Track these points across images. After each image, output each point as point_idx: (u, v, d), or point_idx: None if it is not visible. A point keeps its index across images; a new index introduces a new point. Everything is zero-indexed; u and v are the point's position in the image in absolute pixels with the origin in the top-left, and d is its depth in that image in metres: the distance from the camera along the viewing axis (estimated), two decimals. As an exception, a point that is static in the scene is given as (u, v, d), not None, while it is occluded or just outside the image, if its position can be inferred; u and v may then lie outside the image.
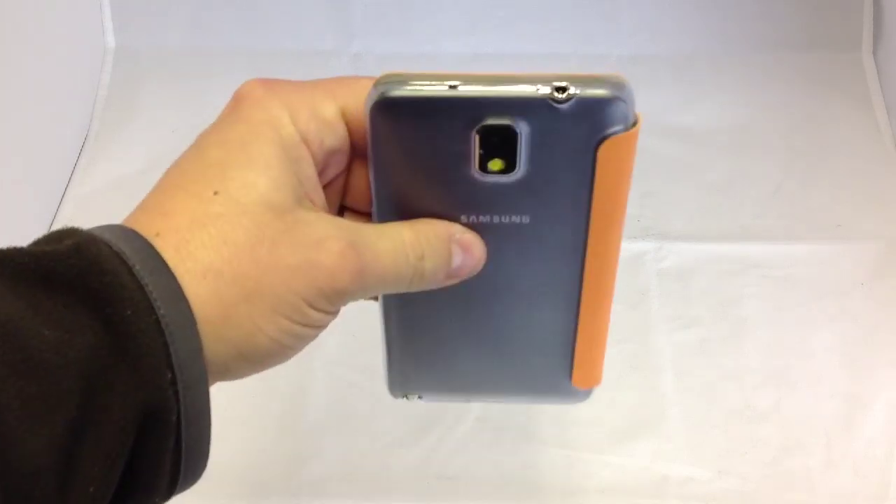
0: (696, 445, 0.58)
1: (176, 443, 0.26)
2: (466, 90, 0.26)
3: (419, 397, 0.35)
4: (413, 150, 0.28)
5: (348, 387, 0.61)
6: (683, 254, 0.68)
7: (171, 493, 0.27)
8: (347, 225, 0.29)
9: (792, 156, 0.75)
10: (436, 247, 0.30)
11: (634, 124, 0.27)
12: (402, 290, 0.30)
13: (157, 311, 0.25)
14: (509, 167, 0.28)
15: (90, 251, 0.25)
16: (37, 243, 0.26)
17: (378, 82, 0.27)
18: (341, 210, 0.33)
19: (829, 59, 0.81)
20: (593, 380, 0.35)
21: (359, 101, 0.29)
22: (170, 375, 0.25)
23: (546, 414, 0.60)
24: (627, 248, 0.69)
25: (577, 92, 0.26)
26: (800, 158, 0.75)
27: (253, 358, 0.28)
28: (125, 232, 0.26)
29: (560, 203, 0.29)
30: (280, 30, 0.83)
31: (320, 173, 0.30)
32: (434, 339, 0.34)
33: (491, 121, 0.27)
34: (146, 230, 0.26)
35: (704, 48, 0.82)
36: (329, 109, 0.29)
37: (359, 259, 0.28)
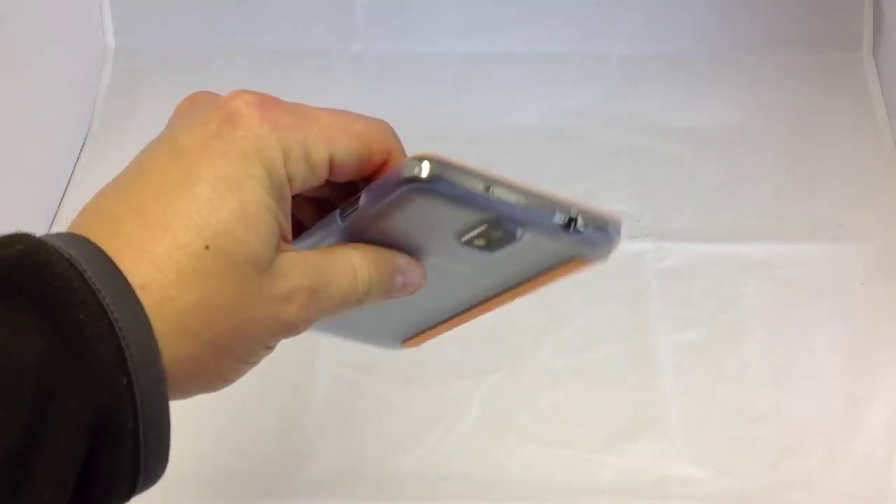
0: (696, 445, 0.58)
1: (134, 447, 0.25)
2: (497, 195, 0.29)
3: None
4: (417, 219, 0.30)
5: (348, 387, 0.61)
6: (683, 254, 0.68)
7: (130, 495, 0.27)
8: (309, 264, 0.29)
9: (792, 156, 0.75)
10: (383, 277, 0.31)
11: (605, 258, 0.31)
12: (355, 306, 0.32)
13: (111, 315, 0.25)
14: (489, 250, 0.30)
15: (39, 255, 0.25)
16: None
17: (422, 160, 0.28)
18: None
19: (829, 59, 0.81)
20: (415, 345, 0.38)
21: (349, 150, 0.30)
22: (125, 381, 0.25)
23: (546, 414, 0.60)
24: (627, 248, 0.69)
25: (583, 229, 0.30)
26: (800, 158, 0.75)
27: (201, 392, 0.29)
28: (75, 238, 0.26)
29: (503, 273, 0.33)
30: (280, 30, 0.82)
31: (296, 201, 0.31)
32: None
33: (504, 226, 0.29)
34: (131, 273, 0.26)
35: (704, 48, 0.82)
36: (320, 155, 0.29)
37: (317, 307, 0.29)
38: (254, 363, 0.30)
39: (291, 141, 0.28)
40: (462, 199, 0.28)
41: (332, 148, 0.29)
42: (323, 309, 0.30)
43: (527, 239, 0.30)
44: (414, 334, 0.38)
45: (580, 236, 0.30)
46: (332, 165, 0.30)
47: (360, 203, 0.30)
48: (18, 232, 0.26)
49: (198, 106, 0.30)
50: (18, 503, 0.23)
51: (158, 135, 0.30)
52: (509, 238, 0.30)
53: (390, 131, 0.31)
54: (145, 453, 0.26)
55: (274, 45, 0.82)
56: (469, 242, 0.30)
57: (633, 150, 0.76)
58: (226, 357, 0.28)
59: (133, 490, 0.26)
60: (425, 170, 0.28)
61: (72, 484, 0.24)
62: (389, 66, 0.81)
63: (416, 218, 0.29)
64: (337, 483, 0.57)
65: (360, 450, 0.58)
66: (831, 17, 0.81)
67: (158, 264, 0.26)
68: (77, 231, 0.27)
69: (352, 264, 0.30)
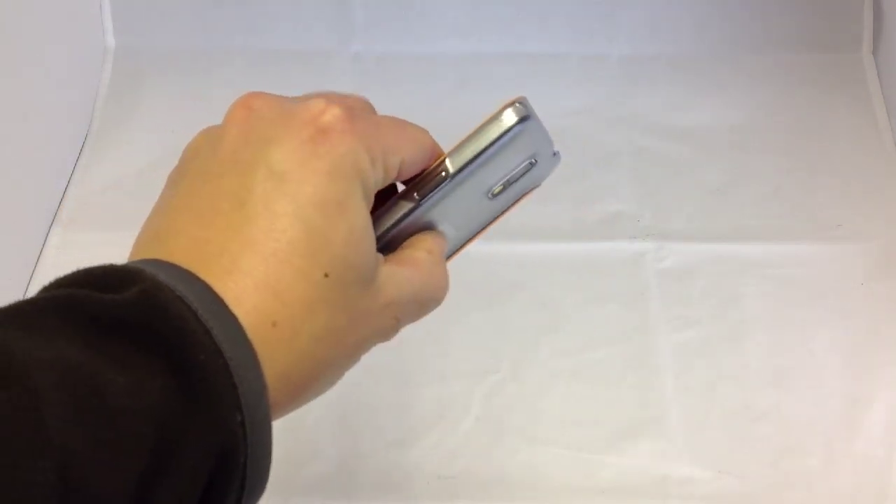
0: (696, 445, 0.58)
1: (241, 481, 0.26)
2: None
3: None
4: (502, 163, 0.34)
5: (348, 387, 0.61)
6: (683, 254, 0.68)
7: None
8: (405, 277, 0.32)
9: (792, 156, 0.75)
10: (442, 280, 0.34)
11: None
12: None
13: (224, 354, 0.25)
14: (511, 183, 0.36)
15: (157, 298, 0.25)
16: (98, 286, 0.25)
17: (519, 102, 0.33)
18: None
19: (829, 60, 0.81)
20: None
21: (415, 155, 0.32)
22: (240, 417, 0.25)
23: (546, 414, 0.60)
24: (627, 248, 0.69)
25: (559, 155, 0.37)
26: (800, 158, 0.75)
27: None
28: (184, 274, 0.26)
29: (496, 207, 0.36)
30: (280, 30, 0.82)
31: None
32: None
33: (545, 154, 0.36)
34: (260, 311, 0.27)
35: (704, 48, 0.82)
36: (395, 162, 0.31)
37: (410, 317, 0.32)
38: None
39: (377, 151, 0.30)
40: (541, 129, 0.34)
41: (402, 154, 0.31)
42: (415, 317, 0.32)
43: (534, 169, 0.35)
44: None
45: (557, 160, 0.36)
46: (400, 169, 0.32)
47: (456, 174, 0.33)
48: (129, 267, 0.26)
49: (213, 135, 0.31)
50: None
51: (221, 150, 0.30)
52: (530, 168, 0.35)
53: (431, 136, 0.34)
54: (248, 487, 0.26)
55: (274, 45, 0.82)
56: (512, 179, 0.35)
57: (633, 150, 0.76)
58: (337, 372, 0.30)
59: None
60: (528, 106, 0.33)
61: None
62: (389, 66, 0.81)
63: (501, 163, 0.34)
64: (337, 483, 0.57)
65: (360, 450, 0.58)
66: (831, 17, 0.81)
67: (286, 300, 0.27)
68: (182, 264, 0.27)
69: (443, 276, 0.33)
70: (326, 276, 0.28)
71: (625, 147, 0.76)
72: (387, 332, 0.31)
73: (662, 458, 0.58)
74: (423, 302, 0.32)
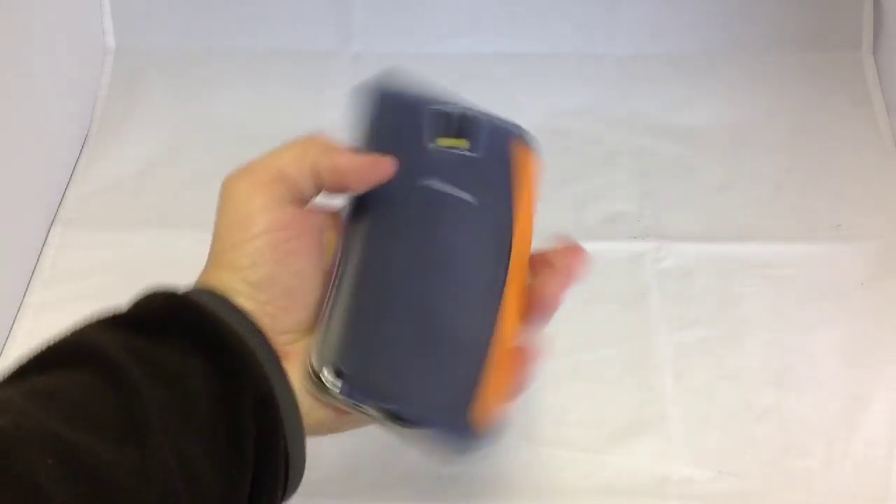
0: (696, 445, 0.58)
1: (285, 461, 0.35)
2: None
3: (336, 387, 0.36)
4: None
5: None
6: (683, 254, 0.68)
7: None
8: None
9: (792, 156, 0.75)
10: None
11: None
12: None
13: (251, 348, 0.34)
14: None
15: (245, 350, 0.33)
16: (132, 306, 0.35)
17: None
18: None
19: (829, 59, 0.81)
20: (492, 410, 0.36)
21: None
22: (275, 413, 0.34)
23: (546, 414, 0.60)
24: (627, 248, 0.69)
25: None
26: (800, 158, 0.75)
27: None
28: (254, 330, 0.35)
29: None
30: (280, 30, 0.82)
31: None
32: (374, 311, 0.37)
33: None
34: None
35: (704, 48, 0.82)
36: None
37: None
38: None
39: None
40: None
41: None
42: None
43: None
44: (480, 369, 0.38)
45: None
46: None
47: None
48: (157, 291, 0.35)
49: None
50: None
51: None
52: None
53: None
54: (292, 465, 0.34)
55: (274, 45, 0.82)
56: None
57: (633, 150, 0.76)
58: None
59: (283, 499, 0.35)
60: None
61: (247, 486, 0.32)
62: (389, 67, 0.81)
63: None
64: (337, 483, 0.57)
65: (360, 450, 0.58)
66: (831, 17, 0.81)
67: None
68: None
69: None
70: None
71: (625, 147, 0.76)
72: None
73: (662, 458, 0.58)
74: None
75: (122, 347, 0.31)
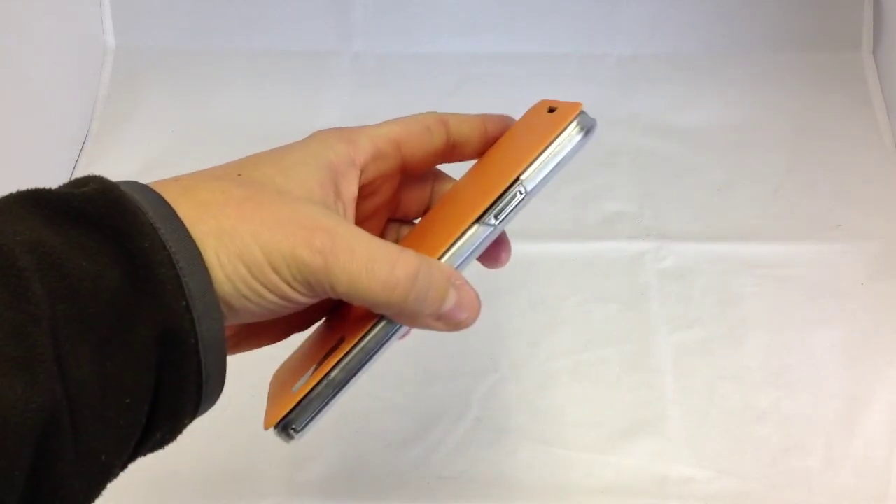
0: (696, 445, 0.58)
1: (197, 365, 0.29)
2: None
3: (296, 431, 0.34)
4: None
5: (349, 387, 0.61)
6: (683, 254, 0.68)
7: (195, 414, 0.30)
8: (352, 227, 0.31)
9: (792, 156, 0.75)
10: (434, 275, 0.31)
11: None
12: (387, 305, 0.31)
13: (169, 248, 0.28)
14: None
15: (113, 194, 0.28)
16: (64, 186, 0.30)
17: (581, 109, 0.34)
18: (387, 224, 0.39)
19: (829, 59, 0.81)
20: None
21: (411, 134, 0.37)
22: (184, 303, 0.28)
23: (546, 414, 0.60)
24: (627, 248, 0.69)
25: None
26: (800, 158, 0.75)
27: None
28: (139, 186, 0.30)
29: None
30: (280, 30, 0.83)
31: (373, 193, 0.36)
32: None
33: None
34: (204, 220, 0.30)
35: (704, 48, 0.82)
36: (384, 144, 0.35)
37: (330, 243, 0.30)
38: (265, 287, 0.30)
39: (357, 133, 0.37)
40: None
41: (395, 136, 0.39)
42: (338, 260, 0.30)
43: None
44: None
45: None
46: (402, 153, 0.39)
47: (531, 187, 0.33)
48: (89, 174, 0.30)
49: None
50: (104, 404, 0.27)
51: None
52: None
53: None
54: (206, 373, 0.29)
55: (274, 45, 0.82)
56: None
57: (633, 150, 0.76)
58: (226, 243, 0.30)
59: (197, 410, 0.30)
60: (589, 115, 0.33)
61: (148, 394, 0.28)
62: (389, 66, 0.81)
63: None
64: (337, 483, 0.57)
65: (360, 450, 0.58)
66: (831, 16, 0.81)
67: (190, 181, 0.32)
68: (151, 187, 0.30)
69: (394, 246, 0.31)
70: (239, 175, 0.32)
71: (625, 147, 0.76)
72: (292, 237, 0.30)
73: (662, 458, 0.58)
74: (356, 272, 0.30)
75: (30, 251, 0.27)
